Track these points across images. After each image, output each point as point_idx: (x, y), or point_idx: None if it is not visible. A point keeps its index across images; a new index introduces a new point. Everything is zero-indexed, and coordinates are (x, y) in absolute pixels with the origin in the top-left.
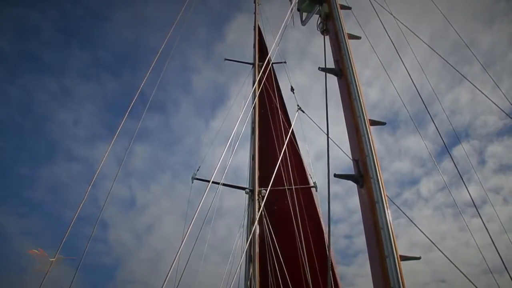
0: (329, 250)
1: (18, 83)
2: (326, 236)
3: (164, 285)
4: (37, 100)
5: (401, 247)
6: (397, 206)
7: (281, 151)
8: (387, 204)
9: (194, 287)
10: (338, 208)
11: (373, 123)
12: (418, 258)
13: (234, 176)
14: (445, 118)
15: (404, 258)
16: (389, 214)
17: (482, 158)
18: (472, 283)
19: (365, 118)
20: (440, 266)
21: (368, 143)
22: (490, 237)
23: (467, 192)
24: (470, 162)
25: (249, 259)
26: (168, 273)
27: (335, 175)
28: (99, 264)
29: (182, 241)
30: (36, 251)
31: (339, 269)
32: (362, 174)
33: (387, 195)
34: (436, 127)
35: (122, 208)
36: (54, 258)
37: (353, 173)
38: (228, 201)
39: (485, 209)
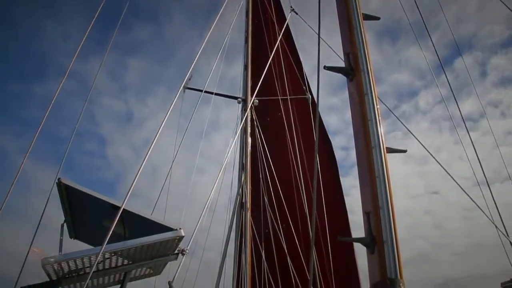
0: (317, 148)
1: None
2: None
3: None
4: (20, 13)
5: (396, 160)
6: (393, 114)
7: (274, 61)
8: (376, 96)
9: (192, 198)
10: (335, 120)
11: (367, 17)
12: (404, 151)
13: (231, 88)
14: (449, 28)
15: (390, 150)
16: (378, 106)
17: (483, 70)
18: (465, 192)
19: (359, 11)
20: (433, 178)
21: (360, 36)
22: (476, 152)
23: (465, 105)
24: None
25: (242, 168)
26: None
27: (325, 67)
28: (100, 179)
29: (176, 152)
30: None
31: None
32: (352, 67)
33: (375, 90)
34: (432, 42)
35: (119, 123)
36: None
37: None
38: (225, 114)
39: (482, 123)
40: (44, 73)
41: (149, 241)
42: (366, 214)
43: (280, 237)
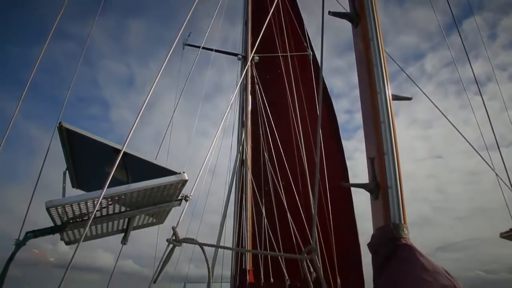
0: (320, 108)
1: None
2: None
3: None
4: None
5: (401, 122)
6: (400, 67)
7: (275, 17)
8: (382, 41)
9: (196, 161)
10: (340, 83)
11: None
12: (410, 99)
13: (235, 50)
14: None
15: (396, 97)
16: (384, 52)
17: (493, 32)
18: (475, 150)
19: None
20: (437, 143)
21: None
22: (487, 113)
23: (473, 69)
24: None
25: (242, 125)
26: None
27: (330, 13)
28: None
29: (174, 109)
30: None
31: None
32: (357, 12)
33: (381, 35)
34: None
35: (121, 86)
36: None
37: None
38: (228, 77)
39: (488, 87)
40: (44, 35)
41: (152, 184)
42: (370, 160)
43: (280, 194)
